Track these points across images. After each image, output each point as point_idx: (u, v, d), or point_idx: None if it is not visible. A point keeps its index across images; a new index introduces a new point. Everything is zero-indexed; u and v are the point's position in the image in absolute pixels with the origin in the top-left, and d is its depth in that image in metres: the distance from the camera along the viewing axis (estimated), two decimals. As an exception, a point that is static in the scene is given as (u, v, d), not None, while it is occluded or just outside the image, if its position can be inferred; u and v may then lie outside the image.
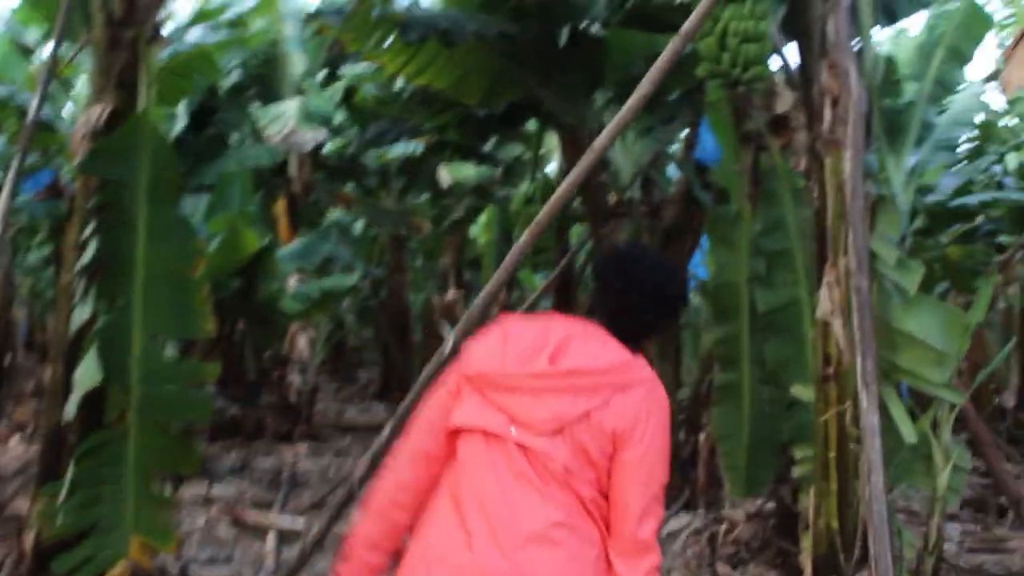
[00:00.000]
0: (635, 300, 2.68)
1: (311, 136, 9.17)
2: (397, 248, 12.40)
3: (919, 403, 4.65)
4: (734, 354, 5.04)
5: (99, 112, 4.37)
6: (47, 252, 13.61)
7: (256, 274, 8.43)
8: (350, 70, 8.70)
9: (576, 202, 6.71)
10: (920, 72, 8.56)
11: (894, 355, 3.83)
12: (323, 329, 11.83)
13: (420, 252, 14.74)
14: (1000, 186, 9.80)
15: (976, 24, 8.56)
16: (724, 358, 5.12)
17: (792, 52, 5.05)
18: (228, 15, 9.18)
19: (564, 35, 6.24)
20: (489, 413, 2.56)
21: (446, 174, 10.63)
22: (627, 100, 6.57)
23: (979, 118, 9.80)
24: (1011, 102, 10.72)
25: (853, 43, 3.70)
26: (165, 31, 4.65)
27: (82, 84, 8.64)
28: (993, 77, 8.76)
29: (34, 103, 4.65)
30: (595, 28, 6.34)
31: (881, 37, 8.18)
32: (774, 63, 4.65)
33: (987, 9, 8.82)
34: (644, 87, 3.64)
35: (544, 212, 3.71)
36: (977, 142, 10.32)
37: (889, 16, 6.19)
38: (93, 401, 4.34)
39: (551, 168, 10.37)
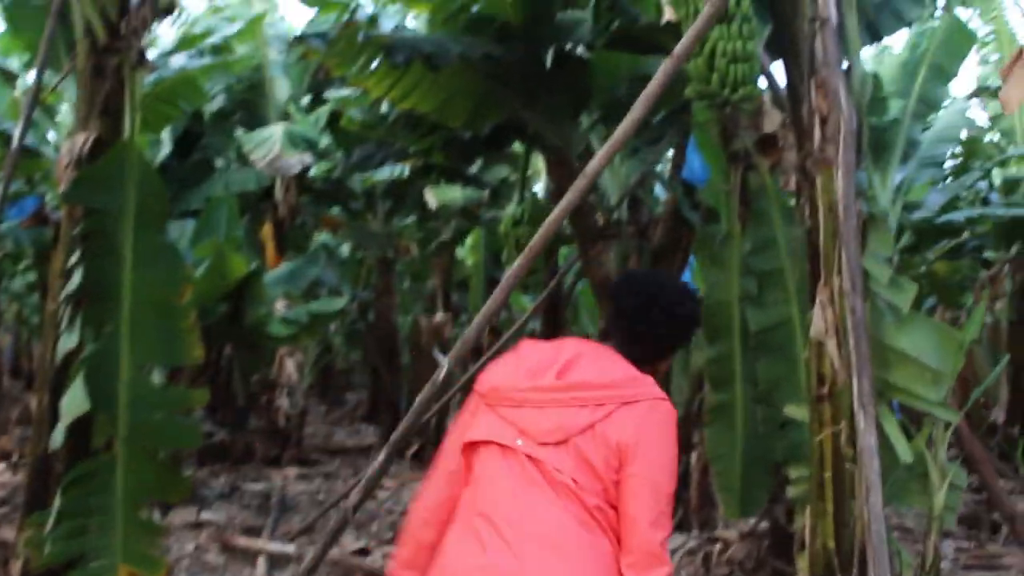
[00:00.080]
0: (649, 323, 2.78)
1: (297, 160, 9.17)
2: (384, 271, 12.38)
3: (911, 420, 4.65)
4: (726, 374, 5.02)
5: (83, 140, 4.34)
6: (32, 279, 13.57)
7: (243, 299, 8.39)
8: (335, 94, 8.69)
9: (563, 223, 6.70)
10: (904, 89, 8.64)
11: (888, 373, 3.81)
12: (311, 353, 11.81)
13: (407, 274, 14.72)
14: (986, 202, 9.85)
15: (959, 41, 8.64)
16: (716, 378, 5.10)
17: (778, 71, 5.07)
18: (212, 40, 9.17)
19: (549, 57, 6.25)
20: (500, 426, 2.67)
21: (432, 197, 10.62)
22: (613, 121, 6.64)
23: (964, 134, 9.86)
24: (993, 119, 10.80)
25: (841, 62, 3.69)
26: (149, 57, 4.63)
27: (66, 111, 8.61)
28: (977, 94, 8.82)
29: (18, 131, 4.62)
30: (580, 50, 6.35)
31: (865, 55, 8.18)
32: (761, 83, 4.66)
33: (969, 26, 8.90)
34: (637, 110, 3.63)
35: (538, 237, 3.69)
36: (962, 158, 10.37)
37: (872, 34, 6.20)
38: (80, 429, 4.31)
39: (538, 189, 10.40)
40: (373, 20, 5.62)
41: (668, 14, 5.76)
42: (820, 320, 3.71)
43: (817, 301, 3.75)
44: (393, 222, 12.03)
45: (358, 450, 12.07)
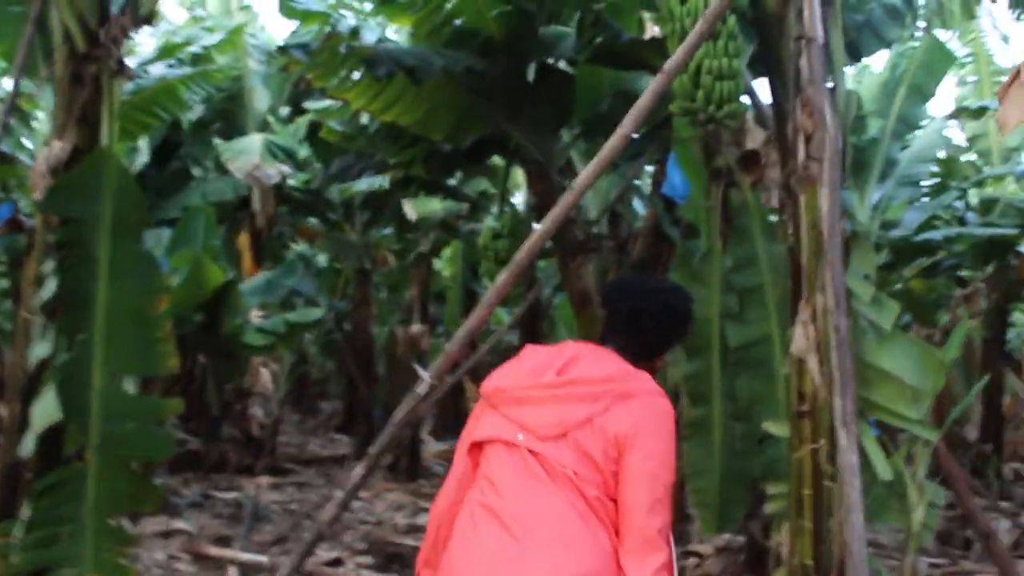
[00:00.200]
0: (645, 323, 2.94)
1: (275, 170, 9.14)
2: (361, 281, 12.34)
3: (888, 438, 4.65)
4: (705, 389, 5.01)
5: (60, 148, 4.29)
6: (5, 286, 13.43)
7: (219, 308, 8.34)
8: (315, 105, 8.67)
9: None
10: (884, 109, 8.67)
11: (868, 391, 3.81)
12: (286, 362, 11.77)
13: (384, 285, 14.69)
14: (962, 221, 9.90)
15: (938, 61, 8.68)
16: (694, 394, 5.09)
17: (761, 89, 5.08)
18: (193, 49, 9.13)
19: (532, 71, 6.25)
20: (503, 424, 2.81)
21: (411, 209, 10.60)
22: (594, 136, 6.66)
23: (942, 154, 9.93)
24: (971, 139, 10.89)
25: (826, 80, 3.70)
26: (129, 65, 4.57)
27: (43, 118, 8.55)
28: (955, 114, 8.88)
29: (-6, 137, 4.57)
30: (563, 65, 6.35)
31: (845, 74, 8.21)
32: (743, 100, 4.67)
33: (948, 47, 8.96)
34: (626, 125, 3.63)
35: (524, 251, 3.68)
36: (940, 178, 10.43)
37: (853, 54, 6.26)
38: (51, 438, 4.25)
39: (517, 202, 10.38)
40: (355, 32, 5.60)
41: (651, 30, 5.80)
42: (802, 337, 3.71)
43: (799, 318, 3.74)
44: (371, 233, 12.00)
45: (332, 460, 12.03)
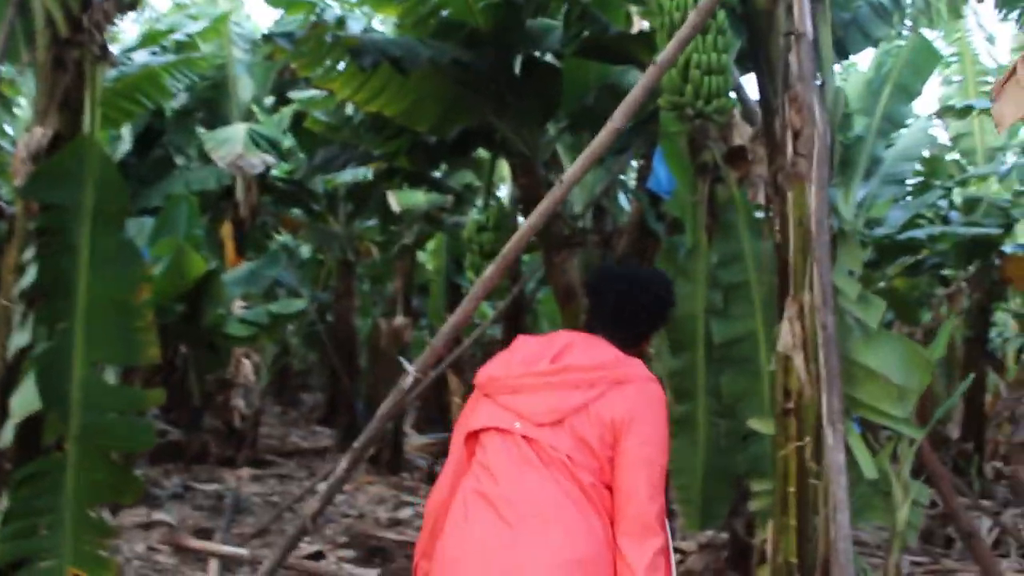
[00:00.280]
0: (631, 309, 2.99)
1: (259, 160, 9.08)
2: (345, 273, 12.29)
3: (871, 436, 4.65)
4: (689, 386, 4.99)
5: (42, 134, 4.24)
6: (-16, 273, 13.32)
7: (201, 298, 8.27)
8: (299, 95, 8.62)
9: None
10: (869, 107, 8.67)
11: (853, 390, 3.80)
12: (268, 353, 11.71)
13: (367, 277, 14.64)
14: (946, 220, 9.93)
15: (924, 60, 8.68)
16: (679, 390, 5.07)
17: (749, 84, 5.07)
18: (177, 37, 9.07)
19: (518, 64, 6.23)
20: (498, 413, 2.84)
21: (395, 200, 10.56)
22: (580, 129, 6.64)
23: (926, 153, 9.96)
24: (955, 139, 10.91)
25: (816, 77, 3.68)
26: (112, 52, 4.52)
27: (25, 104, 8.47)
28: (941, 114, 8.90)
29: (-26, 123, 4.52)
30: (549, 58, 6.33)
31: (832, 71, 8.21)
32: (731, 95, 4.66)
33: (934, 46, 8.97)
34: (617, 119, 3.60)
35: (511, 245, 3.65)
36: (924, 177, 10.46)
37: (840, 51, 6.25)
38: (31, 428, 4.20)
39: (502, 195, 10.35)
40: (341, 22, 5.56)
41: (638, 24, 5.77)
42: (788, 334, 3.69)
43: (785, 315, 3.73)
44: (355, 225, 11.96)
45: (314, 452, 11.99)
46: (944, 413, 10.47)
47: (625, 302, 3.00)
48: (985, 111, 8.16)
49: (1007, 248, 10.11)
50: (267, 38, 5.63)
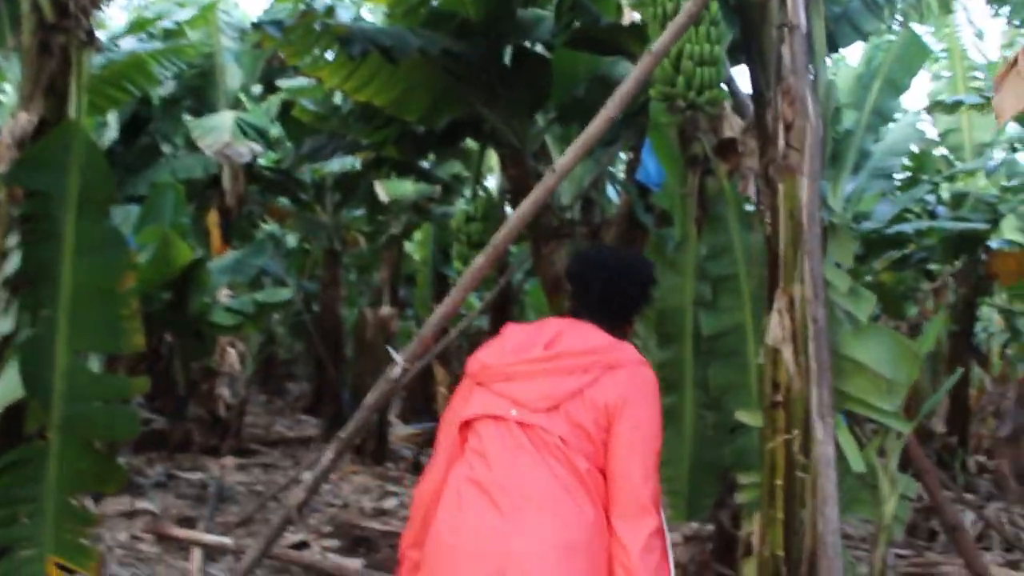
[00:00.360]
0: (616, 292, 3.02)
1: (246, 148, 9.04)
2: (331, 262, 12.25)
3: (857, 429, 4.65)
4: (677, 378, 4.98)
5: (27, 120, 4.19)
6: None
7: (187, 287, 8.23)
8: (287, 84, 8.58)
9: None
10: (859, 101, 8.72)
11: (842, 383, 3.80)
12: (253, 342, 11.67)
13: (354, 267, 14.61)
14: (932, 215, 9.95)
15: (914, 55, 8.73)
16: (666, 382, 5.03)
17: (740, 76, 5.06)
18: (164, 24, 9.01)
19: (508, 54, 6.20)
20: (493, 400, 2.86)
21: (383, 190, 10.53)
22: (569, 121, 6.62)
23: (914, 148, 9.98)
24: (942, 134, 10.93)
25: (808, 69, 3.67)
26: (99, 38, 4.48)
27: (10, 90, 8.41)
28: (931, 109, 8.92)
29: (-41, 107, 4.47)
30: (540, 48, 6.31)
31: (821, 64, 8.22)
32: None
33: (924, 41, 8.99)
34: (611, 108, 3.58)
35: (501, 235, 3.63)
36: (912, 171, 10.49)
37: (830, 45, 6.21)
38: (12, 416, 4.16)
39: (490, 186, 10.34)
40: (330, 10, 5.53)
41: (628, 16, 5.75)
42: (777, 327, 3.68)
43: (774, 308, 3.72)
44: (342, 214, 11.92)
45: (298, 441, 11.95)
46: (929, 407, 10.52)
47: (611, 288, 3.03)
48: (974, 106, 8.19)
49: (993, 243, 10.14)
50: (256, 26, 5.58)
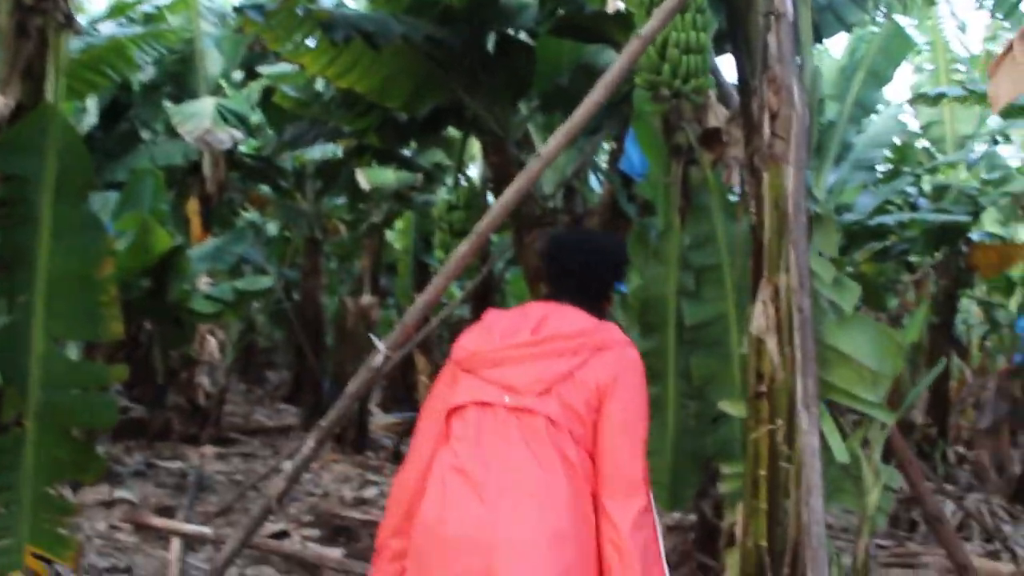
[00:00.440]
0: (593, 271, 3.05)
1: (227, 135, 8.96)
2: (312, 251, 12.19)
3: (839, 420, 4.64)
4: (659, 367, 4.94)
5: (3, 103, 4.13)
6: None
7: (167, 274, 8.17)
8: (269, 70, 8.52)
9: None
10: (841, 93, 8.73)
11: (826, 373, 3.78)
12: (233, 331, 11.61)
13: (335, 255, 14.55)
14: (914, 207, 9.97)
15: (897, 47, 8.74)
16: (649, 372, 4.96)
17: (724, 66, 5.03)
18: (144, 8, 8.92)
19: (492, 41, 6.17)
20: (482, 387, 2.86)
21: (364, 178, 10.48)
22: (552, 109, 6.59)
23: (896, 140, 10.00)
24: (924, 126, 10.95)
25: (795, 58, 3.64)
26: (80, 22, 4.42)
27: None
28: (914, 101, 8.93)
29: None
30: (523, 36, 6.28)
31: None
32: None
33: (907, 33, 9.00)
34: (598, 94, 3.55)
35: (486, 222, 3.60)
36: (893, 163, 10.51)
37: (814, 35, 6.20)
38: (-12, 404, 4.12)
39: (472, 175, 10.30)
40: (313, -5, 5.48)
41: (613, 4, 5.71)
42: (761, 316, 3.66)
43: (759, 297, 3.70)
44: (323, 202, 11.86)
45: (278, 430, 11.91)
46: (913, 398, 10.57)
47: (588, 268, 3.06)
48: (957, 99, 8.20)
49: (974, 236, 10.18)
50: (238, 10, 5.53)
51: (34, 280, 4.11)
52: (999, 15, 7.60)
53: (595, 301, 3.06)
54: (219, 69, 10.31)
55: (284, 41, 5.60)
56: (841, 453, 3.73)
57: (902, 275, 11.75)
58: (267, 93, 9.12)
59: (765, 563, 3.70)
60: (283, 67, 7.49)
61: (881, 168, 9.95)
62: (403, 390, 13.14)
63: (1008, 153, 12.13)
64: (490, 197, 7.56)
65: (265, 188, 12.18)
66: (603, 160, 7.94)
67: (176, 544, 6.36)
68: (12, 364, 4.04)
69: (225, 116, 9.11)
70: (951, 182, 10.20)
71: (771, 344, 3.63)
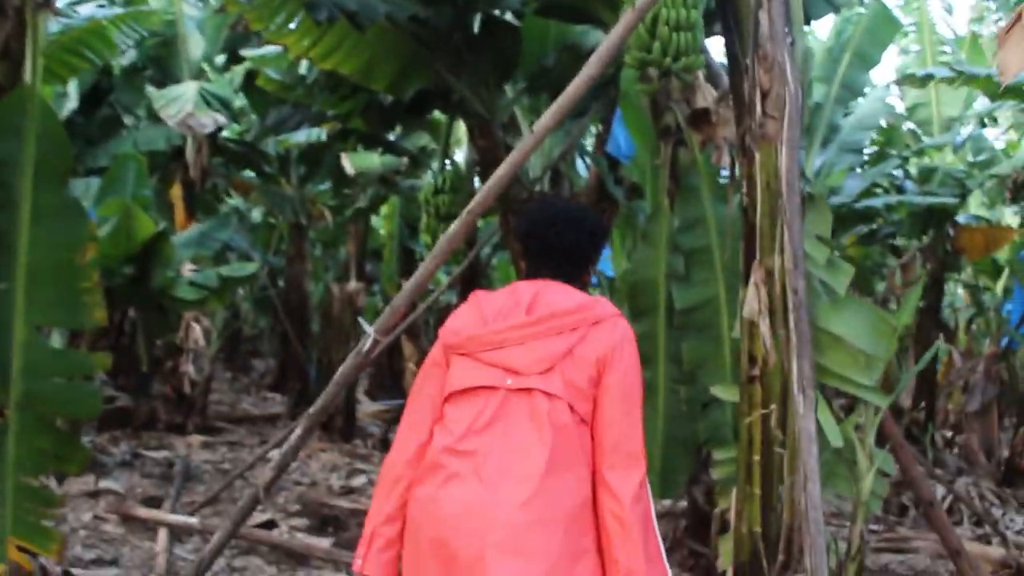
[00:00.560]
0: (574, 244, 3.03)
1: (210, 119, 8.86)
2: (297, 237, 12.10)
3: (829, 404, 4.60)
4: (650, 352, 4.90)
5: (-21, 85, 4.06)
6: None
7: (150, 261, 8.09)
8: (252, 53, 8.42)
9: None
10: (828, 75, 8.67)
11: (820, 356, 3.73)
12: (218, 318, 11.51)
13: (320, 241, 14.47)
14: (900, 190, 9.94)
15: (884, 28, 8.69)
16: (639, 356, 4.99)
17: (713, 46, 4.98)
18: (125, -10, 8.80)
19: (477, 22, 6.10)
20: (483, 370, 2.83)
21: (349, 163, 10.39)
22: (539, 91, 6.53)
23: (883, 122, 9.95)
24: (910, 108, 10.91)
25: (787, 36, 3.58)
26: (58, 5, 4.34)
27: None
28: (901, 82, 8.88)
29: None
30: (509, 16, 6.21)
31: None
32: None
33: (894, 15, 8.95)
34: (592, 67, 3.49)
35: (478, 200, 3.54)
36: (880, 146, 10.47)
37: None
38: (-32, 394, 4.04)
39: (458, 158, 10.23)
40: (297, -26, 5.40)
41: (600, -16, 5.65)
42: (754, 299, 3.62)
43: (751, 280, 3.65)
44: (307, 187, 11.77)
45: (265, 419, 11.83)
46: (894, 383, 10.55)
47: (566, 241, 3.03)
48: (944, 80, 8.15)
49: (960, 218, 10.15)
50: (222, -11, 5.45)
51: (14, 266, 4.04)
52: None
53: (578, 272, 3.06)
54: (201, 52, 10.20)
55: (267, 21, 5.52)
56: (835, 437, 3.69)
57: (888, 259, 11.72)
58: (250, 77, 9.02)
59: (759, 549, 3.67)
60: (266, 50, 7.41)
61: (867, 150, 9.91)
62: (390, 377, 13.07)
63: (993, 135, 12.15)
64: (477, 181, 7.51)
65: (249, 173, 12.06)
66: (590, 143, 7.89)
67: (163, 535, 6.29)
68: (-8, 352, 3.97)
69: (208, 100, 9.00)
70: (938, 165, 10.17)
71: (764, 327, 3.58)
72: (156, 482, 7.97)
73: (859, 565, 3.99)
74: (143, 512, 6.72)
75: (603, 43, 3.48)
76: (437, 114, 7.71)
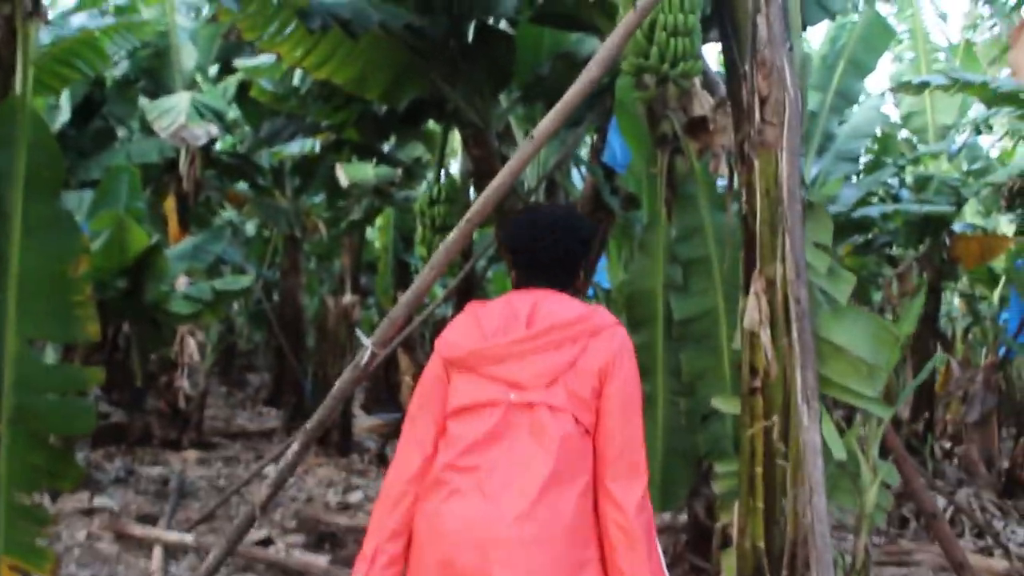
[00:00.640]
0: (568, 253, 3.01)
1: (203, 131, 8.82)
2: (291, 249, 12.05)
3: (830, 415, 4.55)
4: (648, 363, 4.85)
5: (-32, 96, 4.02)
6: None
7: (144, 274, 8.02)
8: (245, 63, 8.38)
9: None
10: (823, 83, 8.65)
11: (822, 367, 3.68)
12: (213, 332, 11.45)
13: (314, 254, 14.42)
14: (896, 199, 9.91)
15: (878, 36, 8.67)
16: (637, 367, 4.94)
17: (708, 53, 4.93)
18: (117, 1, 8.76)
19: (472, 30, 6.06)
20: (486, 386, 2.81)
21: (344, 174, 10.34)
22: (533, 100, 6.49)
23: (878, 130, 9.93)
24: (905, 117, 10.89)
25: (786, 41, 3.54)
26: (49, 16, 4.30)
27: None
28: (896, 89, 8.86)
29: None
30: (503, 25, 6.18)
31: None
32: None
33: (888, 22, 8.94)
34: (593, 70, 3.44)
35: (476, 208, 3.49)
36: (875, 154, 10.45)
37: (799, 22, 6.10)
38: (-40, 410, 3.99)
39: (453, 169, 10.19)
40: (290, -17, 5.35)
41: (594, -8, 5.61)
42: (754, 310, 3.56)
43: (751, 290, 3.60)
44: (301, 199, 11.72)
45: (260, 434, 11.75)
46: (893, 394, 10.50)
47: (557, 249, 3.00)
48: (940, 87, 8.13)
49: (956, 227, 10.12)
50: None
51: (5, 279, 4.00)
52: (979, 2, 7.54)
53: (571, 280, 3.03)
54: (194, 63, 10.16)
55: (260, 30, 5.48)
56: (839, 449, 3.64)
57: (884, 269, 11.68)
58: (243, 88, 8.99)
59: (763, 564, 3.61)
60: (260, 60, 7.37)
61: (863, 159, 9.89)
62: (386, 391, 13.01)
63: (988, 142, 12.13)
64: (472, 192, 7.46)
65: (243, 186, 12.02)
66: (585, 153, 7.86)
67: (158, 553, 6.23)
68: (-17, 367, 3.92)
69: (201, 111, 8.96)
70: (933, 173, 10.14)
71: (765, 338, 3.53)
72: (151, 499, 7.90)
73: (864, 578, 3.94)
74: (138, 530, 6.65)
75: (603, 45, 3.43)
76: (432, 124, 7.67)
